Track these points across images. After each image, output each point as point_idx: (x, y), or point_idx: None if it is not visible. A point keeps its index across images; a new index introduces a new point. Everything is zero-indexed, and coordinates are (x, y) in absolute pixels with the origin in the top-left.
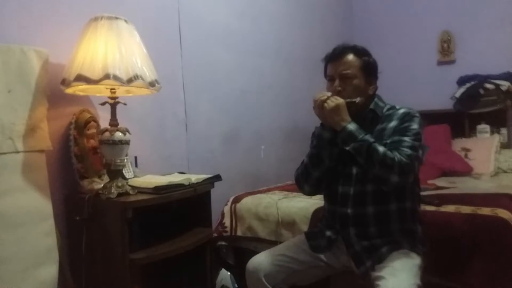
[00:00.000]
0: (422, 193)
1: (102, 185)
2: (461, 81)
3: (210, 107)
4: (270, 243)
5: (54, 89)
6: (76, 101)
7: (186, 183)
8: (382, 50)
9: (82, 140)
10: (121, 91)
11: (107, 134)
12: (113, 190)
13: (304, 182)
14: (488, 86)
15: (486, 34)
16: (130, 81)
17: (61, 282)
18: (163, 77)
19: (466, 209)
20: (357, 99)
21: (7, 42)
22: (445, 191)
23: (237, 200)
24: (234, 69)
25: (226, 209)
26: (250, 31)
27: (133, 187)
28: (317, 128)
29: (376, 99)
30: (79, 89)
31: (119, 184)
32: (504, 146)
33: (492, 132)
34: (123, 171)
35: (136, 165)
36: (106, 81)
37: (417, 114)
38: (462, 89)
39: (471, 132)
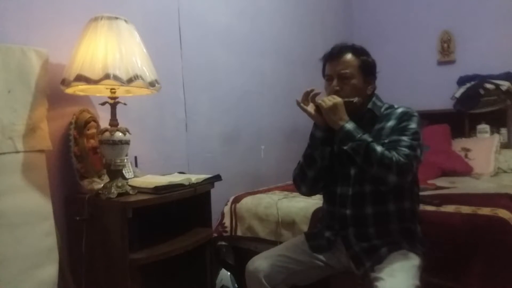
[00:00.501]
0: (422, 193)
1: (102, 185)
2: (461, 81)
3: (210, 107)
4: (270, 243)
5: (54, 89)
6: (76, 101)
7: (186, 183)
8: (382, 50)
9: (82, 140)
10: (121, 91)
11: (107, 134)
12: (113, 190)
13: (301, 182)
14: (488, 86)
15: (486, 34)
16: (130, 81)
17: (61, 282)
18: (163, 77)
19: (466, 209)
20: (355, 99)
21: (7, 42)
22: (445, 191)
23: (237, 200)
24: (234, 69)
25: (226, 209)
26: (250, 31)
27: (133, 187)
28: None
29: (374, 99)
30: (79, 89)
31: (119, 184)
32: (504, 146)
33: (492, 132)
34: (123, 171)
35: (136, 165)
36: (106, 81)
37: (415, 113)
38: (462, 89)
39: (471, 132)
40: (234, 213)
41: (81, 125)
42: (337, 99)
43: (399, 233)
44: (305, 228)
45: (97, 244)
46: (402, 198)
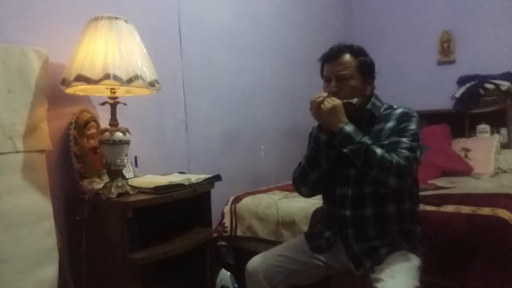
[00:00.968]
0: (422, 193)
1: (102, 185)
2: (461, 81)
3: (210, 107)
4: (270, 243)
5: (54, 89)
6: (76, 101)
7: (186, 183)
8: (382, 50)
9: (82, 140)
10: (121, 91)
11: (107, 134)
12: (113, 190)
13: (302, 184)
14: (488, 86)
15: (486, 34)
16: (130, 81)
17: (61, 282)
18: (163, 77)
19: (466, 209)
20: (354, 100)
21: (7, 42)
22: (445, 191)
23: (237, 200)
24: (234, 69)
25: (226, 209)
26: (250, 31)
27: (133, 187)
28: (314, 128)
29: (373, 99)
30: (79, 89)
31: (119, 184)
32: (504, 146)
33: (492, 132)
34: (123, 171)
35: (136, 165)
36: (106, 81)
37: (415, 114)
38: (462, 89)
39: (471, 132)
40: (234, 213)
41: (81, 125)
42: (336, 101)
43: (399, 234)
44: (305, 228)
45: (97, 244)
46: (402, 199)
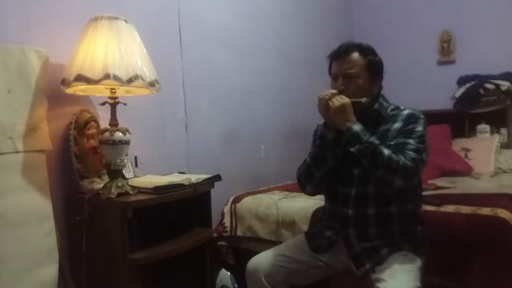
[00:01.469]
0: (423, 193)
1: (102, 185)
2: (461, 81)
3: (210, 107)
4: (270, 243)
5: (54, 89)
6: (76, 101)
7: (186, 183)
8: (382, 50)
9: (82, 140)
10: (121, 91)
11: (107, 134)
12: (113, 190)
13: (307, 182)
14: (488, 86)
15: (486, 34)
16: (130, 81)
17: (61, 282)
18: (163, 77)
19: (466, 209)
20: (363, 99)
21: (7, 42)
22: (445, 191)
23: (237, 200)
24: (234, 69)
25: (226, 209)
26: (250, 31)
27: (133, 187)
28: (319, 126)
29: (380, 99)
30: (79, 89)
31: (119, 184)
32: (504, 146)
33: (492, 132)
34: (123, 171)
35: (136, 165)
36: (106, 81)
37: (422, 116)
38: (462, 89)
39: (471, 132)
40: (234, 213)
41: (81, 125)
42: (345, 100)
43: (401, 235)
44: (305, 228)
45: (97, 244)
46: (405, 200)
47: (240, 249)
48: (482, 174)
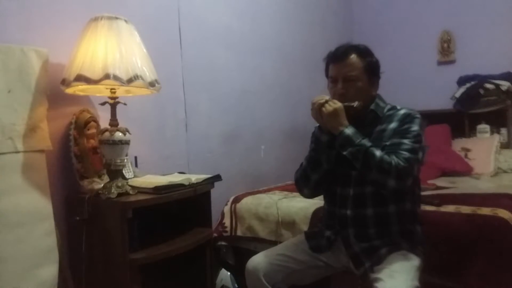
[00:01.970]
0: (422, 193)
1: (102, 185)
2: (461, 81)
3: (210, 107)
4: (270, 243)
5: (54, 89)
6: (76, 101)
7: (186, 183)
8: (382, 50)
9: (82, 140)
10: (121, 91)
11: (107, 134)
12: (113, 190)
13: (304, 185)
14: (488, 86)
15: (486, 34)
16: (130, 81)
17: (61, 282)
18: (163, 77)
19: (466, 209)
20: (355, 103)
21: (7, 42)
22: (445, 191)
23: (237, 200)
24: (234, 69)
25: (226, 209)
26: (250, 31)
27: (133, 187)
28: (316, 129)
29: (377, 99)
30: (79, 89)
31: (119, 184)
32: (504, 146)
33: (492, 132)
34: (123, 171)
35: (136, 165)
36: (106, 81)
37: (418, 115)
38: (462, 89)
39: (471, 132)
40: (234, 213)
41: (81, 125)
42: (337, 104)
43: (399, 234)
44: (305, 228)
45: (97, 244)
46: (403, 200)
47: (240, 249)
48: (482, 174)
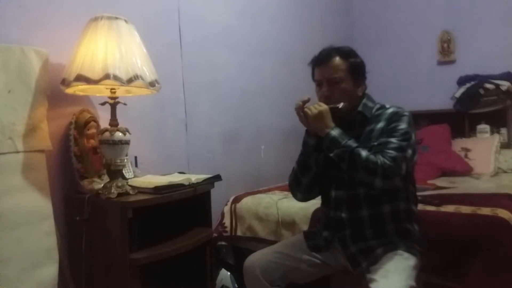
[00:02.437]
0: (422, 193)
1: (102, 185)
2: (461, 81)
3: (210, 107)
4: (270, 243)
5: (54, 89)
6: (76, 101)
7: (186, 183)
8: (382, 50)
9: (82, 140)
10: (121, 91)
11: (107, 134)
12: (113, 190)
13: (296, 189)
14: (488, 86)
15: (486, 34)
16: (130, 81)
17: (61, 282)
18: (163, 77)
19: (466, 209)
20: (340, 105)
21: (7, 42)
22: (445, 191)
23: (237, 200)
24: (234, 69)
25: (226, 209)
26: (250, 31)
27: (133, 187)
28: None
29: (365, 100)
30: (79, 89)
31: (119, 184)
32: (504, 146)
33: (492, 132)
34: (123, 171)
35: (136, 165)
36: (106, 81)
37: (406, 113)
38: (462, 89)
39: (471, 132)
40: (234, 213)
41: (81, 125)
42: (323, 107)
43: (396, 234)
44: (305, 228)
45: (97, 244)
46: (396, 199)
47: (240, 249)
48: (482, 174)
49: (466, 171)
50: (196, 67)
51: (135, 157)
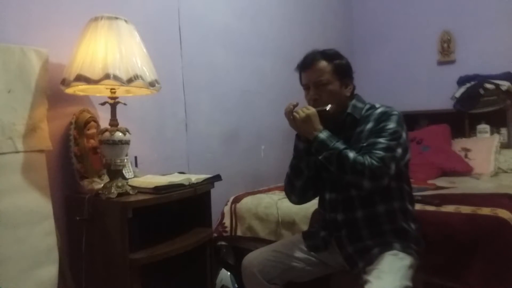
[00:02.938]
0: (422, 193)
1: (102, 185)
2: (461, 81)
3: (210, 107)
4: (270, 243)
5: (54, 89)
6: (76, 101)
7: (186, 183)
8: (382, 50)
9: (82, 140)
10: (121, 91)
11: (107, 134)
12: (113, 190)
13: (290, 192)
14: (488, 86)
15: (486, 34)
16: (130, 81)
17: (61, 282)
18: (163, 77)
19: (466, 209)
20: (328, 107)
21: (7, 42)
22: (445, 191)
23: (237, 200)
24: (234, 69)
25: (226, 209)
26: (250, 31)
27: (133, 187)
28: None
29: (354, 101)
30: (79, 89)
31: (119, 184)
32: (504, 146)
33: (492, 132)
34: (123, 171)
35: (136, 165)
36: (106, 81)
37: (395, 112)
38: (462, 89)
39: (471, 132)
40: (234, 213)
41: (81, 125)
42: (310, 110)
43: (392, 233)
44: (305, 228)
45: (97, 244)
46: (390, 199)
47: (240, 249)
48: (482, 174)
49: (466, 171)
50: (196, 67)
51: (135, 157)
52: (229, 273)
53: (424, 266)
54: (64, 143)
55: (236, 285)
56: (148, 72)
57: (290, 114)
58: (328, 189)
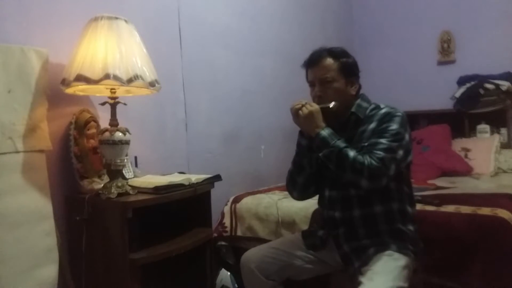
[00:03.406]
0: (423, 193)
1: (102, 185)
2: (461, 81)
3: (210, 107)
4: None
5: (54, 89)
6: (76, 101)
7: (186, 183)
8: (382, 50)
9: (82, 140)
10: (121, 91)
11: (107, 134)
12: (113, 190)
13: (292, 188)
14: (488, 86)
15: (486, 34)
16: (130, 81)
17: (61, 282)
18: (163, 77)
19: (466, 209)
20: (331, 104)
21: (7, 42)
22: (445, 191)
23: (237, 200)
24: (234, 69)
25: (226, 209)
26: (250, 31)
27: (133, 187)
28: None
29: (359, 100)
30: (79, 89)
31: (119, 184)
32: (504, 146)
33: (492, 132)
34: (123, 171)
35: (136, 165)
36: (106, 81)
37: (399, 113)
38: (462, 89)
39: (471, 132)
40: (234, 213)
41: (81, 125)
42: (314, 107)
43: (389, 234)
44: (305, 228)
45: (97, 244)
46: (389, 199)
47: (240, 249)
48: (482, 174)
49: (466, 171)
50: (196, 67)
51: (135, 157)
52: (229, 273)
53: (424, 266)
54: (64, 143)
55: (236, 285)
56: (148, 72)
57: (297, 110)
58: (328, 186)
